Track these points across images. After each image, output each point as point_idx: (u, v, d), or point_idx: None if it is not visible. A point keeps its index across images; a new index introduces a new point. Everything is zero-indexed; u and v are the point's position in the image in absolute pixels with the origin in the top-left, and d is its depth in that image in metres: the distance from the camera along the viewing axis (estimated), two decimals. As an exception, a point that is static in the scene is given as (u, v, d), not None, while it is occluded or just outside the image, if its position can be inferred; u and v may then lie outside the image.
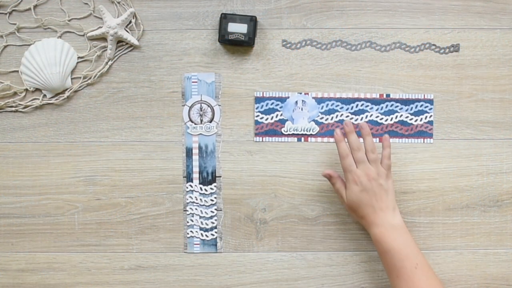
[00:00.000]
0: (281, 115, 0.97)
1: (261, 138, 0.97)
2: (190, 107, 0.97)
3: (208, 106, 0.97)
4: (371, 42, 0.97)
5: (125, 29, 0.96)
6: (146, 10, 0.97)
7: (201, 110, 0.97)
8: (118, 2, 0.97)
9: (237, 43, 0.95)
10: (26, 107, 0.97)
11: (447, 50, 0.97)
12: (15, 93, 0.97)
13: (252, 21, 0.94)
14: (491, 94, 0.97)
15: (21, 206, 0.97)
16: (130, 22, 0.97)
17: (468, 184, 0.97)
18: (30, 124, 0.97)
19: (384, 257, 0.87)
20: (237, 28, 0.94)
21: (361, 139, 0.92)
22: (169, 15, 0.97)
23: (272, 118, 0.97)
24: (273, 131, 0.97)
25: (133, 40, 0.96)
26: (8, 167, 0.97)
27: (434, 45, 0.97)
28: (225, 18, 0.94)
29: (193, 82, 0.97)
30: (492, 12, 0.97)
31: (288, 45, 0.97)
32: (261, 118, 0.97)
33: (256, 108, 0.97)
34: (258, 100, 0.97)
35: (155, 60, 0.97)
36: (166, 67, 0.97)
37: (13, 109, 0.97)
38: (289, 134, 0.97)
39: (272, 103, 0.97)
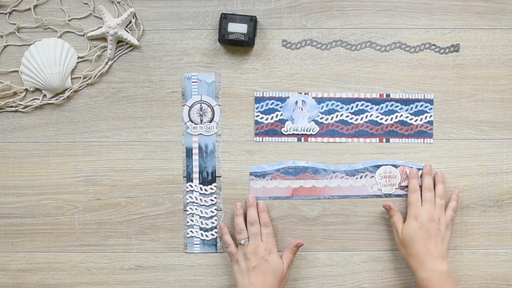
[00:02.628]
0: (281, 115, 0.97)
1: (261, 138, 0.97)
2: (190, 107, 0.97)
3: (208, 106, 0.97)
4: (371, 42, 0.97)
5: (125, 29, 0.96)
6: (146, 10, 0.97)
7: (201, 110, 0.97)
8: (118, 2, 0.97)
9: (237, 43, 0.95)
10: (26, 107, 0.97)
11: (447, 50, 0.97)
12: (15, 93, 0.97)
13: (252, 21, 0.95)
14: (491, 94, 0.97)
15: (21, 206, 0.97)
16: (130, 22, 0.97)
17: (468, 184, 0.97)
18: (30, 124, 0.97)
19: None
20: (237, 28, 0.94)
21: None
22: (169, 15, 0.97)
23: (272, 118, 0.97)
24: (273, 131, 0.97)
25: (133, 40, 0.96)
26: (8, 167, 0.97)
27: (434, 45, 0.97)
28: (225, 18, 0.94)
29: (193, 82, 0.97)
30: (492, 12, 0.97)
31: (288, 45, 0.97)
32: (261, 118, 0.97)
33: (256, 108, 0.97)
34: (258, 100, 0.97)
35: (155, 60, 0.97)
36: (166, 67, 0.97)
37: (13, 109, 0.97)
38: (289, 134, 0.97)
39: (272, 103, 0.97)
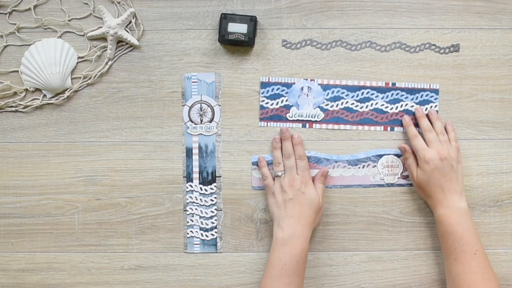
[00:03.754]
0: (286, 100, 0.97)
1: (265, 123, 0.97)
2: (190, 107, 0.97)
3: (208, 106, 0.97)
4: (371, 42, 0.97)
5: (125, 29, 0.96)
6: (146, 10, 0.97)
7: (201, 110, 0.97)
8: (118, 2, 0.97)
9: (237, 43, 0.95)
10: (26, 107, 0.97)
11: (447, 50, 0.97)
12: (15, 93, 0.97)
13: (252, 21, 0.95)
14: (491, 94, 0.97)
15: (21, 206, 0.97)
16: (130, 22, 0.97)
17: (468, 184, 0.97)
18: (30, 124, 0.97)
19: (445, 239, 0.89)
20: (237, 28, 0.94)
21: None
22: (169, 15, 0.97)
23: (277, 104, 0.97)
24: (278, 116, 0.97)
25: (133, 40, 0.96)
26: (8, 167, 0.97)
27: (434, 45, 0.97)
28: (225, 18, 0.94)
29: (193, 82, 0.97)
30: (492, 12, 0.97)
31: (288, 45, 0.97)
32: (266, 103, 0.97)
33: (262, 93, 0.97)
34: (264, 85, 0.97)
35: (155, 60, 0.97)
36: (166, 67, 0.97)
37: (13, 109, 0.97)
38: (293, 120, 0.97)
39: (278, 89, 0.97)
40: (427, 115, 0.95)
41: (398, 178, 0.97)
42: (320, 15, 0.97)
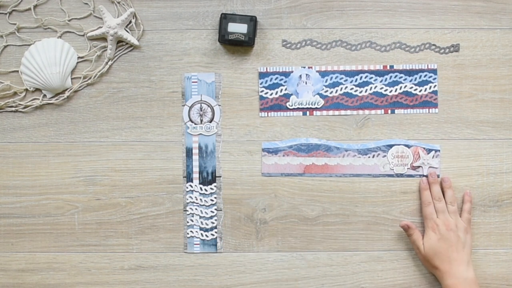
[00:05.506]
0: (285, 89, 0.97)
1: (266, 113, 0.97)
2: (190, 107, 0.97)
3: (208, 106, 0.97)
4: (371, 42, 0.97)
5: (125, 29, 0.96)
6: (146, 10, 0.97)
7: (201, 110, 0.97)
8: (118, 2, 0.97)
9: (237, 43, 0.95)
10: (26, 107, 0.97)
11: (447, 50, 0.97)
12: (15, 93, 0.97)
13: (252, 21, 0.95)
14: (491, 94, 0.97)
15: (21, 206, 0.97)
16: (130, 22, 0.97)
17: (468, 184, 0.97)
18: (30, 124, 0.97)
19: None
20: (237, 28, 0.94)
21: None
22: (169, 15, 0.97)
23: (276, 93, 0.97)
24: (278, 105, 0.97)
25: (133, 40, 0.96)
26: (8, 167, 0.97)
27: (434, 45, 0.97)
28: (225, 18, 0.94)
29: (193, 82, 0.97)
30: (492, 12, 0.97)
31: (288, 45, 0.97)
32: (266, 93, 0.97)
33: (260, 84, 0.97)
34: (262, 75, 0.97)
35: (155, 60, 0.97)
36: (166, 67, 0.97)
37: (13, 109, 0.97)
38: (294, 109, 0.97)
39: (276, 78, 0.97)
40: (440, 182, 0.95)
41: (407, 168, 0.97)
42: (320, 15, 0.97)
